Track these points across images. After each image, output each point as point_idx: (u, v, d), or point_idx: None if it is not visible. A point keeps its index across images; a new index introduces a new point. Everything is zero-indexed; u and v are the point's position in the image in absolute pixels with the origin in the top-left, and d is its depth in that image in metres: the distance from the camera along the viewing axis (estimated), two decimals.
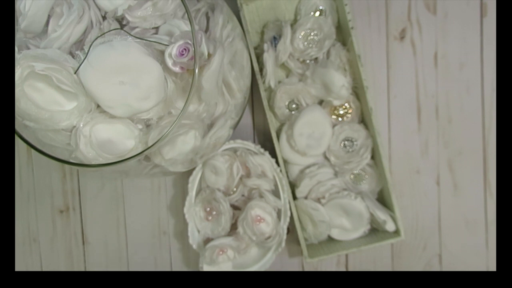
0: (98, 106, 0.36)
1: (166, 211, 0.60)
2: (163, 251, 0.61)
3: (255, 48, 0.54)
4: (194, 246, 0.54)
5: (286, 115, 0.55)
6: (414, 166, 0.58)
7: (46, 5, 0.36)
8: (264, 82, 0.53)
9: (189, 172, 0.54)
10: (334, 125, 0.55)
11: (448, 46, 0.57)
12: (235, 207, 0.55)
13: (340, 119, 0.55)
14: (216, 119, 0.40)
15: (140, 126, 0.38)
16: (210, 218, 0.54)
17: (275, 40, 0.54)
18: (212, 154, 0.51)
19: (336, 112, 0.55)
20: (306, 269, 0.60)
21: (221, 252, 0.52)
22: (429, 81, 0.57)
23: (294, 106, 0.56)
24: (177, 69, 0.34)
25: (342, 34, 0.55)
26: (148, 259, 0.61)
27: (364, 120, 0.55)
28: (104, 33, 0.35)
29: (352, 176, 0.56)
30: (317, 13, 0.55)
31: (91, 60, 0.33)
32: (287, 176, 0.55)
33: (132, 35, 0.35)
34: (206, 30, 0.40)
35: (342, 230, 0.55)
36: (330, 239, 0.56)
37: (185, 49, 0.33)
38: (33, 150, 0.34)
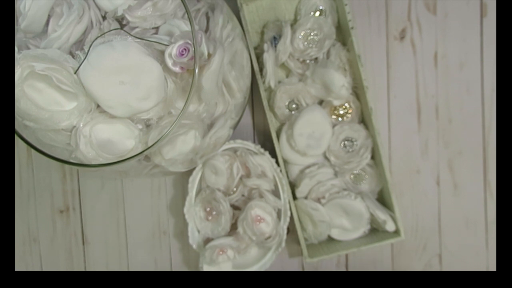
0: (98, 106, 0.36)
1: (166, 211, 0.60)
2: (163, 251, 0.61)
3: (255, 48, 0.54)
4: (194, 246, 0.54)
5: (286, 115, 0.55)
6: (414, 166, 0.58)
7: (46, 5, 0.36)
8: (264, 82, 0.53)
9: (189, 172, 0.54)
10: (334, 125, 0.55)
11: (448, 46, 0.57)
12: (235, 207, 0.55)
13: (340, 119, 0.55)
14: (216, 119, 0.40)
15: (140, 126, 0.37)
16: (210, 218, 0.54)
17: (275, 40, 0.54)
18: (212, 154, 0.51)
19: (336, 112, 0.55)
20: (306, 269, 0.60)
21: (221, 252, 0.52)
22: (429, 81, 0.57)
23: (294, 106, 0.56)
24: (177, 69, 0.34)
25: (342, 34, 0.55)
26: (148, 259, 0.61)
27: (364, 120, 0.55)
28: (104, 33, 0.35)
29: (352, 176, 0.56)
30: (317, 13, 0.55)
31: (91, 60, 0.33)
32: (287, 176, 0.54)
33: (132, 35, 0.35)
34: (206, 30, 0.40)
35: (342, 230, 0.55)
36: (330, 239, 0.56)
37: (185, 49, 0.33)
38: (33, 150, 0.34)
